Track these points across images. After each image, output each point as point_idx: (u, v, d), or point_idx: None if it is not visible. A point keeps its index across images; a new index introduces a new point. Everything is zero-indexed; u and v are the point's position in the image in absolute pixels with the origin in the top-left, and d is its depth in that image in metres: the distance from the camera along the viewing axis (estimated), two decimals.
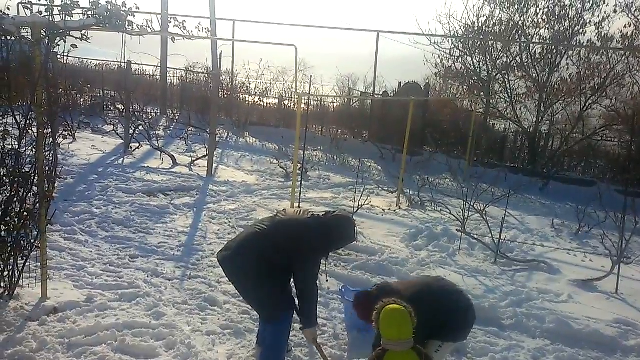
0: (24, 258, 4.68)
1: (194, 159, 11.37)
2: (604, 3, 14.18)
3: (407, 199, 9.95)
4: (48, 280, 4.85)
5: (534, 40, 14.93)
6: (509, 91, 15.27)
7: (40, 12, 5.11)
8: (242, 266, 3.88)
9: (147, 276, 5.67)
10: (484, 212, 7.64)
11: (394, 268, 6.35)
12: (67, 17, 5.02)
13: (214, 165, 10.79)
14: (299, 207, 8.62)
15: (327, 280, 5.98)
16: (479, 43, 15.36)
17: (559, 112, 14.89)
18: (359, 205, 8.75)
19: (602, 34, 14.25)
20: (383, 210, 9.17)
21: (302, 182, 9.72)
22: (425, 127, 15.08)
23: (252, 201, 9.07)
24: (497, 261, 7.00)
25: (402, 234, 7.88)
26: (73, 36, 4.86)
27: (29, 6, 5.40)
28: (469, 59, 15.75)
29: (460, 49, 15.83)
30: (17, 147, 4.60)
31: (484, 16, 15.37)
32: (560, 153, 14.21)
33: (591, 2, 14.23)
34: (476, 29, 15.44)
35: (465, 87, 16.84)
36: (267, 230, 3.94)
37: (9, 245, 4.55)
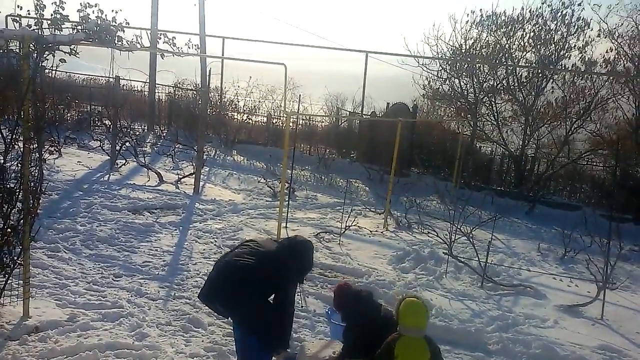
0: (6, 275, 4.59)
1: (180, 176, 11.30)
2: (589, 28, 14.48)
3: (394, 220, 9.96)
4: (30, 299, 4.75)
5: (520, 64, 15.15)
6: (496, 114, 15.43)
7: (30, 26, 5.08)
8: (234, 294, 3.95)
9: (131, 296, 5.58)
10: (471, 235, 7.65)
11: (381, 291, 6.31)
12: (56, 31, 4.99)
13: (201, 184, 10.72)
14: (285, 226, 8.61)
15: (302, 307, 5.89)
16: (466, 65, 15.54)
17: (545, 136, 15.05)
18: (346, 226, 8.75)
19: (586, 59, 14.53)
20: (370, 231, 9.16)
21: (290, 202, 9.69)
22: (412, 148, 15.16)
23: (239, 220, 9.01)
24: (483, 285, 6.99)
25: (389, 256, 7.86)
26: (62, 50, 4.84)
27: (17, 19, 5.37)
28: (456, 81, 15.93)
29: (448, 70, 16.01)
30: (1, 161, 4.53)
31: (471, 39, 15.60)
32: (546, 177, 14.33)
33: (576, 26, 14.52)
34: (463, 51, 15.65)
35: (452, 109, 16.99)
36: (254, 264, 3.97)
37: None
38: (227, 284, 3.96)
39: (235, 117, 17.62)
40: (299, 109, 11.96)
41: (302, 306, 5.90)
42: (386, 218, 9.88)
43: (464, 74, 15.72)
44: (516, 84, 14.96)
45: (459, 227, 7.71)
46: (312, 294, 6.27)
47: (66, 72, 19.56)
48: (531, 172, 14.97)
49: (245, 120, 17.52)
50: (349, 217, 9.01)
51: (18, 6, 5.30)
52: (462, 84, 15.87)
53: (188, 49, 5.64)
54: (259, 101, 17.38)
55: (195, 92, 17.03)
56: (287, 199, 9.22)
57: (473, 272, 7.29)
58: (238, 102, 17.57)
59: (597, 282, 6.67)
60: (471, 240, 7.57)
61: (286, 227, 8.71)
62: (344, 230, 8.67)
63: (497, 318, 5.95)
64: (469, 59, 15.34)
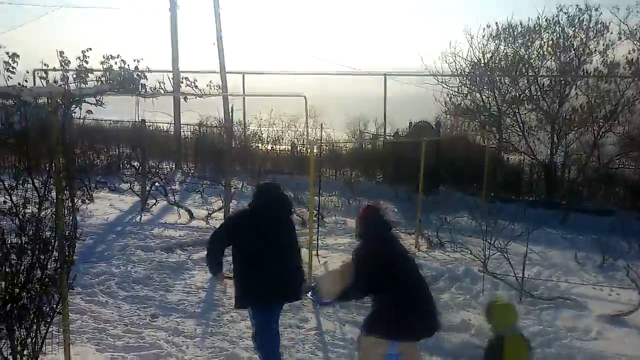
0: (47, 325, 4.69)
1: (210, 212, 11.43)
2: (608, 31, 14.29)
3: (425, 240, 9.87)
4: (70, 345, 4.84)
5: (541, 73, 15.01)
6: (521, 124, 15.26)
7: (56, 81, 5.26)
8: None
9: (169, 335, 5.64)
10: (505, 250, 7.54)
11: None
12: (81, 84, 5.17)
13: None
14: (315, 253, 8.61)
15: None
16: (486, 79, 15.47)
17: (573, 142, 14.80)
18: None
19: (608, 62, 14.31)
20: None
21: (319, 228, 9.70)
22: (439, 165, 15.07)
23: None
24: (522, 300, 6.86)
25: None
26: (88, 102, 5.01)
27: (44, 76, 5.58)
28: (478, 95, 15.85)
29: (468, 85, 15.95)
30: (37, 213, 4.67)
31: (489, 52, 15.53)
32: (578, 183, 14.07)
33: (595, 30, 14.36)
34: (482, 65, 15.59)
35: (476, 123, 16.88)
36: None
37: (31, 312, 4.57)
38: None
39: (260, 148, 17.83)
40: (321, 137, 12.03)
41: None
42: (417, 238, 9.81)
43: (484, 87, 15.65)
44: (539, 93, 14.82)
45: (492, 242, 7.62)
46: (348, 321, 6.24)
47: (94, 118, 20.10)
48: (562, 179, 14.72)
49: (270, 150, 17.71)
50: None
51: (44, 63, 5.52)
52: (483, 97, 15.79)
53: (209, 89, 5.78)
54: (282, 131, 17.57)
55: (219, 128, 17.31)
56: (315, 226, 9.24)
57: (510, 288, 7.17)
58: (261, 133, 17.80)
59: (639, 289, 6.49)
60: (506, 255, 7.46)
61: (317, 254, 8.72)
62: None
63: (539, 333, 5.83)
64: (488, 72, 15.28)
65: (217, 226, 4.96)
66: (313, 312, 6.49)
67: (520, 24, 15.14)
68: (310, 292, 4.76)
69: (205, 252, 4.88)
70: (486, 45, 15.56)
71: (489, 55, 15.53)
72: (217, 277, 4.91)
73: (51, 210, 4.69)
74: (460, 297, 6.93)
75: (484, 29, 15.55)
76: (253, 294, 4.60)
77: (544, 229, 11.15)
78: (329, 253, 8.99)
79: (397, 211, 13.09)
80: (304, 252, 8.27)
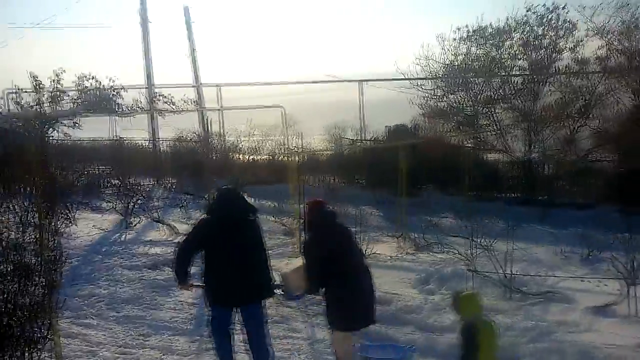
0: (38, 351, 4.61)
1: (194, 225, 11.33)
2: (576, 29, 14.62)
3: (411, 242, 9.92)
4: None
5: (513, 72, 15.26)
6: (496, 123, 15.48)
7: (29, 103, 5.18)
8: None
9: (162, 354, 5.59)
10: (490, 248, 7.62)
11: (409, 316, 6.28)
12: (56, 106, 5.11)
13: None
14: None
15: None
16: (459, 80, 15.67)
17: (549, 138, 15.05)
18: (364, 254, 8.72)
19: (579, 58, 14.63)
20: (390, 257, 9.13)
21: (306, 237, 9.68)
22: (418, 168, 15.18)
23: None
24: (511, 297, 6.94)
25: (411, 279, 7.83)
26: (64, 124, 4.95)
27: (19, 101, 5.49)
28: (452, 96, 16.04)
29: (443, 87, 16.14)
30: (19, 239, 4.61)
31: (461, 54, 15.76)
32: (556, 178, 14.30)
33: (563, 29, 14.66)
34: (455, 67, 15.80)
35: (452, 124, 17.06)
36: None
37: (20, 340, 4.49)
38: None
39: (239, 158, 17.77)
40: (301, 145, 12.06)
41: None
42: (403, 241, 9.86)
43: (458, 89, 15.85)
44: (512, 92, 15.06)
45: (477, 241, 7.69)
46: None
47: (70, 138, 19.84)
48: (540, 175, 14.94)
49: (249, 160, 17.66)
50: (366, 245, 9.00)
51: (16, 86, 5.45)
52: (458, 98, 15.99)
53: (184, 103, 5.75)
54: (261, 141, 17.56)
55: (197, 142, 17.23)
56: (300, 234, 9.24)
57: (498, 285, 7.24)
58: (240, 144, 17.76)
59: (625, 279, 6.61)
60: (491, 252, 7.54)
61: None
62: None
63: (530, 329, 5.88)
64: (461, 74, 15.48)
65: (186, 237, 5.03)
66: (304, 322, 6.48)
67: (491, 25, 15.42)
68: (278, 290, 5.03)
69: (174, 262, 4.99)
70: (458, 47, 15.79)
71: (461, 57, 15.76)
72: (183, 286, 5.02)
73: (34, 234, 4.63)
74: (449, 298, 6.96)
75: (454, 31, 15.77)
76: (217, 296, 4.79)
77: (526, 225, 11.30)
78: None
79: (381, 215, 13.15)
80: (297, 261, 8.31)
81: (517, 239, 9.58)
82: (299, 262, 5.05)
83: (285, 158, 16.96)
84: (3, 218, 4.78)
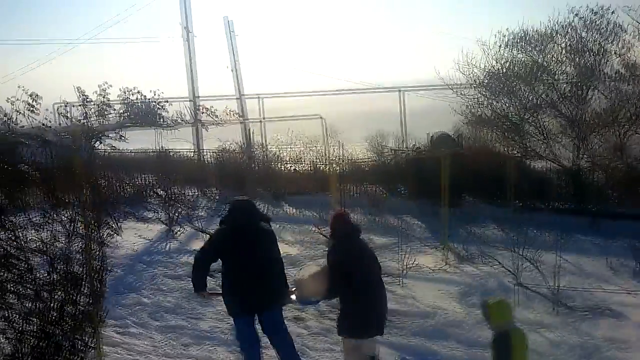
0: None
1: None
2: (624, 32, 14.12)
3: (454, 254, 9.73)
4: None
5: (559, 78, 14.84)
6: (543, 131, 15.07)
7: (78, 119, 5.34)
8: None
9: None
10: (536, 261, 7.40)
11: (451, 331, 6.15)
12: (102, 119, 5.25)
13: None
14: None
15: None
16: (503, 87, 15.34)
17: (598, 146, 14.55)
18: (405, 266, 8.62)
19: (629, 63, 14.11)
20: (431, 269, 8.97)
21: None
22: (462, 177, 14.91)
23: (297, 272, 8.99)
24: (558, 311, 6.71)
25: (454, 292, 7.67)
26: (109, 137, 5.08)
27: (65, 112, 5.67)
28: (496, 103, 15.71)
29: (486, 94, 15.82)
30: (66, 250, 4.73)
31: (503, 59, 15.41)
32: (606, 187, 13.79)
33: (611, 33, 14.18)
34: (498, 73, 15.47)
35: (497, 132, 16.70)
36: None
37: (64, 349, 4.60)
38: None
39: (282, 169, 17.88)
40: (342, 155, 12.02)
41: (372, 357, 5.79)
42: (445, 252, 9.69)
43: (502, 95, 15.51)
44: (559, 98, 14.64)
45: (522, 253, 7.48)
46: (380, 342, 6.14)
47: (118, 150, 20.39)
48: (589, 184, 14.44)
49: (292, 170, 17.73)
50: (407, 256, 8.89)
51: (63, 100, 5.63)
52: (502, 106, 15.64)
53: (227, 115, 5.84)
54: (303, 153, 17.61)
55: (240, 152, 17.42)
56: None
57: (545, 300, 7.02)
58: (282, 154, 17.86)
59: None
60: (537, 265, 7.32)
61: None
62: (404, 270, 8.55)
63: (578, 346, 5.69)
64: (505, 81, 15.16)
65: (202, 247, 5.33)
66: None
67: (534, 29, 15.04)
68: (294, 296, 5.21)
69: (192, 272, 5.23)
70: (499, 52, 15.45)
71: (503, 63, 15.42)
72: (201, 294, 5.32)
73: (80, 244, 4.74)
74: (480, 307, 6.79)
75: (495, 36, 15.46)
76: (235, 305, 5.03)
77: (574, 236, 10.93)
78: None
79: (423, 226, 12.96)
80: (310, 267, 8.28)
81: (564, 250, 9.31)
82: (312, 268, 5.22)
83: (326, 168, 16.97)
84: (51, 229, 4.91)
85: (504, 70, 15.37)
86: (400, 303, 7.33)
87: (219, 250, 5.01)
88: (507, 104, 15.58)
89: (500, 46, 15.34)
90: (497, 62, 15.43)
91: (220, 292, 5.25)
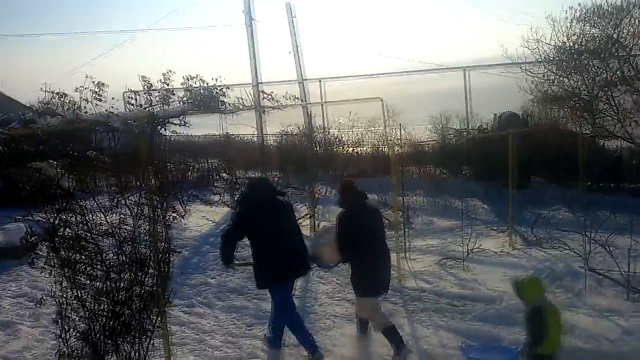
0: (149, 338, 4.89)
1: (297, 218, 11.53)
2: None
3: (520, 237, 9.44)
4: (172, 357, 5.03)
5: (633, 52, 13.99)
6: (615, 108, 14.29)
7: (141, 105, 5.49)
8: None
9: (264, 345, 5.73)
10: (608, 244, 7.06)
11: (517, 316, 5.96)
12: (165, 106, 5.38)
13: (316, 222, 10.90)
14: (404, 256, 8.45)
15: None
16: (573, 63, 14.63)
17: None
18: (469, 249, 8.45)
19: None
20: (496, 252, 8.74)
21: (406, 230, 9.54)
22: (529, 157, 14.40)
23: None
24: (629, 297, 6.39)
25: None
26: (173, 122, 5.20)
27: (130, 100, 5.85)
28: (566, 80, 15.02)
29: (555, 71, 15.15)
30: (133, 232, 4.89)
31: (574, 35, 14.69)
32: None
33: None
34: (568, 48, 14.77)
35: (566, 109, 15.99)
36: None
37: (132, 328, 4.78)
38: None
39: (341, 152, 17.86)
40: (401, 137, 11.84)
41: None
42: (511, 235, 9.41)
43: (572, 72, 14.80)
44: (633, 73, 13.82)
45: (592, 236, 7.16)
46: (441, 326, 6.07)
47: (183, 134, 20.94)
48: None
49: (352, 153, 17.69)
50: (470, 239, 8.71)
51: (129, 89, 5.80)
52: (572, 82, 14.94)
53: (286, 100, 5.87)
54: (362, 134, 17.52)
55: (300, 135, 17.51)
56: (402, 228, 9.10)
57: (616, 285, 6.70)
58: (342, 137, 17.83)
59: None
60: (608, 249, 6.98)
61: (406, 257, 8.57)
62: (467, 254, 8.38)
63: None
64: (575, 56, 14.45)
65: (229, 225, 5.61)
66: (406, 317, 6.38)
67: (608, 2, 14.22)
68: (314, 262, 5.72)
69: (220, 249, 5.54)
70: (570, 28, 14.71)
71: (574, 38, 14.68)
72: (230, 266, 5.66)
73: (147, 227, 4.89)
74: (561, 297, 6.56)
75: (566, 11, 14.72)
76: (270, 275, 5.31)
77: None
78: (419, 256, 8.81)
79: (488, 208, 12.64)
80: (393, 254, 8.23)
81: (638, 233, 8.84)
82: (325, 231, 6.01)
83: (387, 150, 16.80)
84: (119, 212, 5.09)
85: (575, 45, 14.64)
86: (464, 287, 7.19)
87: (246, 227, 5.33)
88: (578, 81, 14.87)
89: (571, 21, 14.61)
90: (567, 38, 14.71)
91: (247, 262, 5.84)
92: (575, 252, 7.53)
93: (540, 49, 15.19)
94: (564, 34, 14.79)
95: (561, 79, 15.10)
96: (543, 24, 17.05)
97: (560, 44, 14.89)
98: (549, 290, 6.81)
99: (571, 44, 14.70)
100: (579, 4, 14.50)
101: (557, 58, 15.01)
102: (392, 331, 5.28)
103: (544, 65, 15.17)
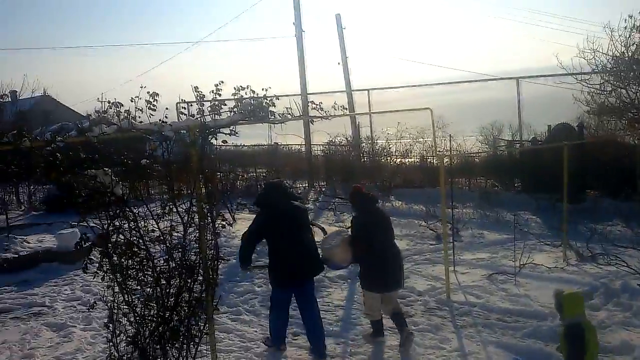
0: (196, 345, 4.95)
1: (343, 228, 11.51)
2: None
3: (574, 252, 9.11)
4: None
5: None
6: None
7: (193, 115, 5.61)
8: None
9: (309, 354, 5.71)
10: None
11: None
12: (215, 116, 5.47)
13: None
14: (453, 270, 8.29)
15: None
16: (631, 73, 14.10)
17: None
18: (520, 264, 8.22)
19: None
20: (549, 267, 8.45)
21: (455, 243, 9.37)
22: (584, 170, 13.93)
23: (405, 268, 8.86)
24: None
25: None
26: (223, 132, 5.27)
27: (184, 111, 5.98)
28: (624, 91, 14.48)
29: (612, 82, 14.64)
30: (183, 239, 4.96)
31: (633, 44, 14.16)
32: None
33: None
34: (627, 58, 14.24)
35: (624, 121, 15.41)
36: None
37: (180, 334, 4.85)
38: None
39: (389, 162, 17.74)
40: (450, 147, 11.67)
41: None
42: (565, 250, 9.10)
43: (631, 82, 14.27)
44: None
45: None
46: (492, 342, 5.90)
47: (232, 144, 21.33)
48: None
49: (399, 163, 17.55)
50: (522, 253, 8.46)
51: (182, 100, 5.94)
52: (630, 93, 14.40)
53: (334, 110, 5.87)
54: (410, 145, 17.38)
55: (348, 146, 17.52)
56: (451, 241, 8.93)
57: None
58: (389, 147, 17.73)
59: None
60: None
61: (454, 270, 8.41)
62: (519, 268, 8.14)
63: None
64: (634, 66, 13.92)
65: (250, 228, 5.71)
66: (454, 332, 6.24)
67: None
68: (326, 264, 5.87)
69: (239, 250, 5.77)
70: (629, 37, 14.20)
71: (633, 48, 14.16)
72: (247, 269, 5.99)
73: (196, 234, 4.96)
74: (618, 315, 6.28)
75: (625, 20, 14.22)
76: (284, 278, 5.57)
77: None
78: (467, 269, 8.62)
79: (540, 222, 12.26)
80: (441, 267, 8.08)
81: None
82: (336, 236, 6.00)
83: (436, 161, 16.59)
84: (169, 219, 5.18)
85: (633, 54, 14.12)
86: (514, 302, 6.98)
87: (265, 231, 5.56)
88: (637, 92, 14.31)
89: (631, 30, 14.10)
90: (626, 48, 14.20)
91: (262, 264, 6.29)
92: (633, 268, 7.22)
93: (597, 58, 14.72)
94: (623, 44, 14.29)
95: (619, 89, 14.58)
96: (599, 33, 16.47)
97: (618, 54, 14.39)
98: (604, 308, 6.58)
99: (630, 53, 14.18)
100: (639, 12, 13.99)
101: (614, 68, 14.51)
102: (377, 324, 5.95)
103: (600, 75, 14.69)
